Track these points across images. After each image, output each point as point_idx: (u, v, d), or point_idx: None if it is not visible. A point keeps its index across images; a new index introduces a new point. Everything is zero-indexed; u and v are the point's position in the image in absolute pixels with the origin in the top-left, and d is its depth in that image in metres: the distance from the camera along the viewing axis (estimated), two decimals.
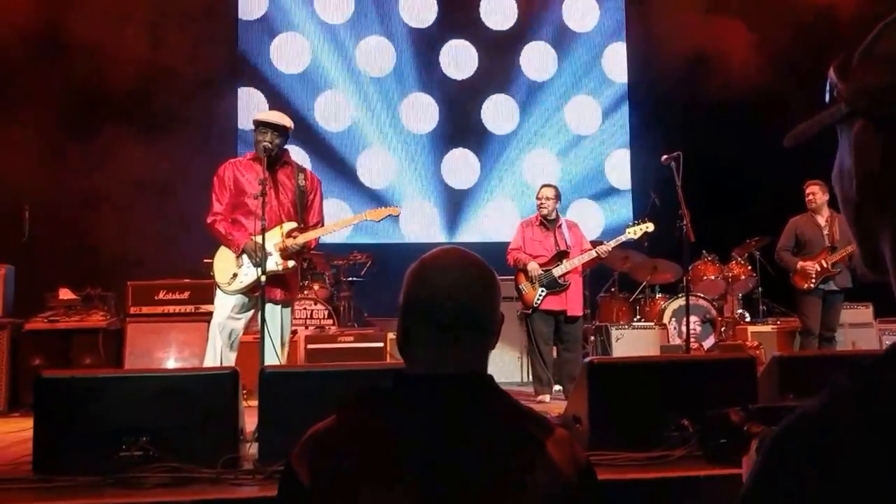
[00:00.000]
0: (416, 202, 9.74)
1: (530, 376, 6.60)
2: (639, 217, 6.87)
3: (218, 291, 4.66)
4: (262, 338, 4.29)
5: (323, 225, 4.79)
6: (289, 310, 4.74)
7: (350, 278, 8.15)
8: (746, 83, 8.35)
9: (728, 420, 2.81)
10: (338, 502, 1.23)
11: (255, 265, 4.41)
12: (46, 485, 2.91)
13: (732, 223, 8.16)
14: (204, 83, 8.42)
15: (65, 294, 6.39)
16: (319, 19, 9.72)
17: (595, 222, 9.80)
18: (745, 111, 8.61)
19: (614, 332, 6.99)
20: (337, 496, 1.23)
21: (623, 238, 6.22)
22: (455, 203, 9.83)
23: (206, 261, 5.16)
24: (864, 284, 6.90)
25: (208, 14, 8.66)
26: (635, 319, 7.66)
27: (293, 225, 4.61)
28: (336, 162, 9.52)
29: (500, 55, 9.99)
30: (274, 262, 4.50)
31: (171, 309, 6.40)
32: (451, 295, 1.34)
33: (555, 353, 6.33)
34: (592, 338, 7.32)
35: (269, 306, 4.42)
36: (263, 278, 4.33)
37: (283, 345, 4.61)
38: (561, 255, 6.18)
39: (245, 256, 4.51)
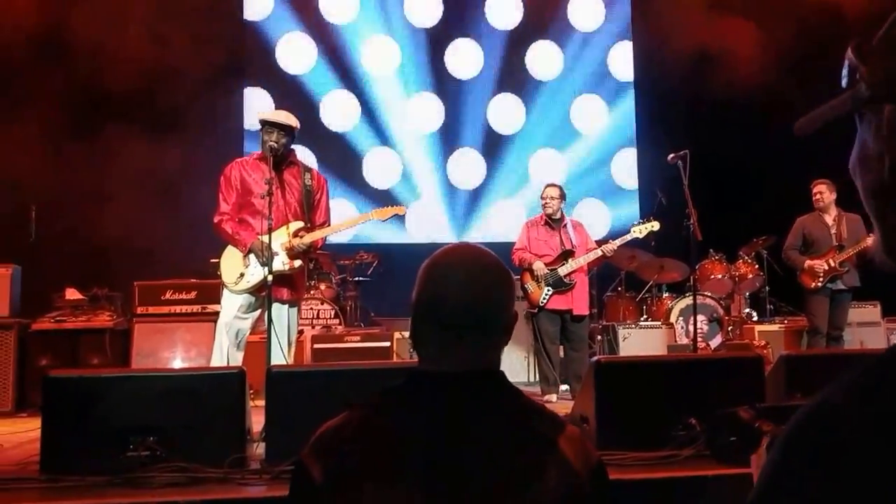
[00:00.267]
0: (421, 202, 9.73)
1: (537, 376, 6.60)
2: (645, 216, 6.86)
3: (225, 291, 4.67)
4: (269, 337, 4.29)
5: (329, 225, 4.80)
6: (295, 309, 4.75)
7: (356, 278, 8.16)
8: (753, 81, 8.30)
9: (737, 418, 2.80)
10: (343, 500, 1.23)
11: (262, 265, 4.42)
12: (54, 485, 2.92)
13: (739, 222, 8.12)
14: (210, 83, 8.43)
15: (71, 294, 6.42)
16: (325, 19, 9.73)
17: (601, 221, 9.77)
18: (753, 109, 8.57)
19: (621, 332, 6.99)
20: (342, 494, 1.23)
21: (628, 237, 6.21)
22: (461, 203, 9.82)
23: (212, 260, 5.16)
24: (872, 283, 6.85)
25: (213, 14, 8.66)
26: (642, 319, 7.66)
27: (300, 224, 4.61)
28: (342, 162, 9.51)
29: (505, 54, 9.98)
30: (280, 262, 4.50)
31: (177, 309, 6.40)
32: (453, 293, 1.34)
33: (561, 353, 6.33)
34: (599, 337, 7.31)
35: (275, 306, 4.42)
36: (270, 278, 4.34)
37: (289, 344, 4.61)
38: (566, 255, 6.17)
39: (252, 256, 4.52)
